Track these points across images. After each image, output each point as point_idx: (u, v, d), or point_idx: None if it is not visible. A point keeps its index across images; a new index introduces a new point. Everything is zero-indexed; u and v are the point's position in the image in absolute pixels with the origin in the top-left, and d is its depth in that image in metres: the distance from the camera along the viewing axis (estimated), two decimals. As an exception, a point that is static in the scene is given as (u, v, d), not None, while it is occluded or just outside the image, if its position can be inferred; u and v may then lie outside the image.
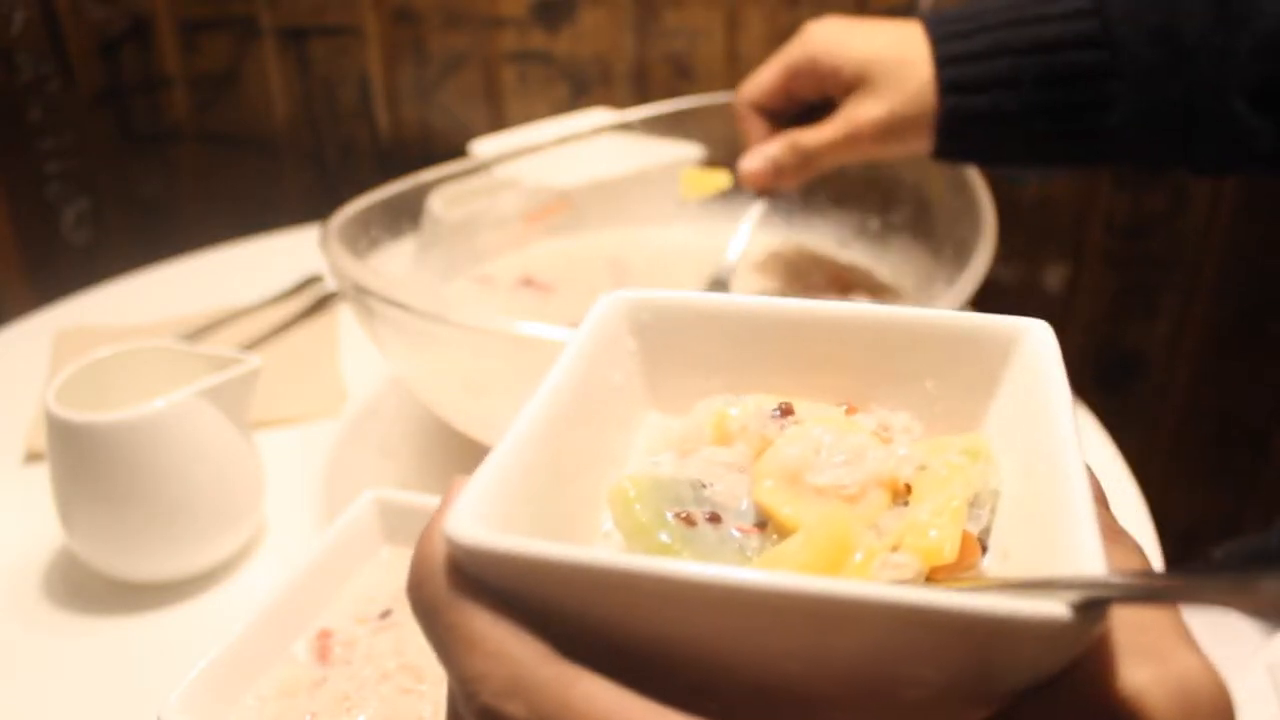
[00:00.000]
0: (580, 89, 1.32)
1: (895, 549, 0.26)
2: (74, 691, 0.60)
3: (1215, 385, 1.32)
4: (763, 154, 0.77)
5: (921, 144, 0.73)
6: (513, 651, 0.22)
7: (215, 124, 1.47)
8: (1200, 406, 1.32)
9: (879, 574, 0.25)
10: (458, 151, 1.00)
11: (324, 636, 0.54)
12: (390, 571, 0.58)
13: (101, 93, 1.36)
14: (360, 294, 0.66)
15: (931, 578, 0.26)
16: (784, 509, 0.27)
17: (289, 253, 1.11)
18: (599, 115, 1.05)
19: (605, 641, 0.22)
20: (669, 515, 0.27)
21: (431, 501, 0.59)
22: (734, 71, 1.26)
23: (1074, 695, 0.21)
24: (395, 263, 0.81)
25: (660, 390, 0.32)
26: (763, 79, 0.78)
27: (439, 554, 0.24)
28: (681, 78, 1.28)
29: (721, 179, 0.98)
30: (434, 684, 0.51)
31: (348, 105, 1.41)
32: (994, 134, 0.71)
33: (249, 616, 0.51)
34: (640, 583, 0.21)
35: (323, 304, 1.00)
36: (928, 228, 0.87)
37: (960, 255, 0.77)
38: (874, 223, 0.92)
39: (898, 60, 0.71)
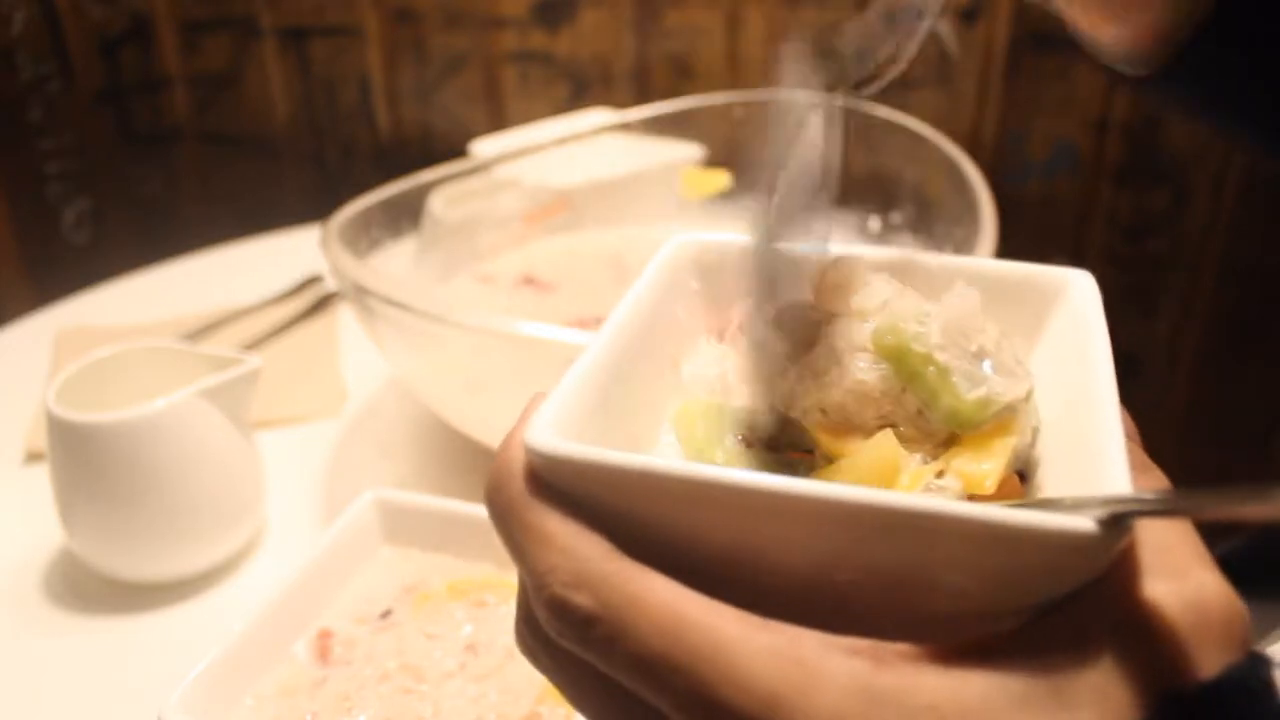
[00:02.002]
0: (580, 89, 1.32)
1: (940, 474, 0.27)
2: (74, 691, 0.60)
3: (1215, 385, 1.32)
4: None
5: None
6: (581, 548, 0.24)
7: (215, 124, 1.47)
8: (1200, 406, 1.32)
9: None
10: (458, 151, 1.00)
11: (324, 636, 0.54)
12: (390, 571, 0.58)
13: (101, 93, 1.36)
14: (360, 294, 0.66)
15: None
16: (834, 439, 0.29)
17: (289, 253, 1.10)
18: (599, 115, 1.05)
19: (664, 544, 0.24)
20: (728, 438, 0.29)
21: (431, 501, 0.59)
22: (734, 71, 1.26)
23: (1098, 605, 0.23)
24: (395, 263, 0.81)
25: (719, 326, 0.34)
26: None
27: (517, 460, 0.26)
28: (681, 78, 1.28)
29: (721, 179, 0.98)
30: (434, 684, 0.51)
31: (348, 105, 1.41)
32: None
33: (249, 616, 0.51)
34: (699, 488, 0.23)
35: (323, 304, 1.00)
36: (928, 228, 0.87)
37: (960, 255, 0.77)
38: (874, 223, 0.92)
39: None
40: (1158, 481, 0.27)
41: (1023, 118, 1.23)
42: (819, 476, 0.27)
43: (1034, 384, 0.29)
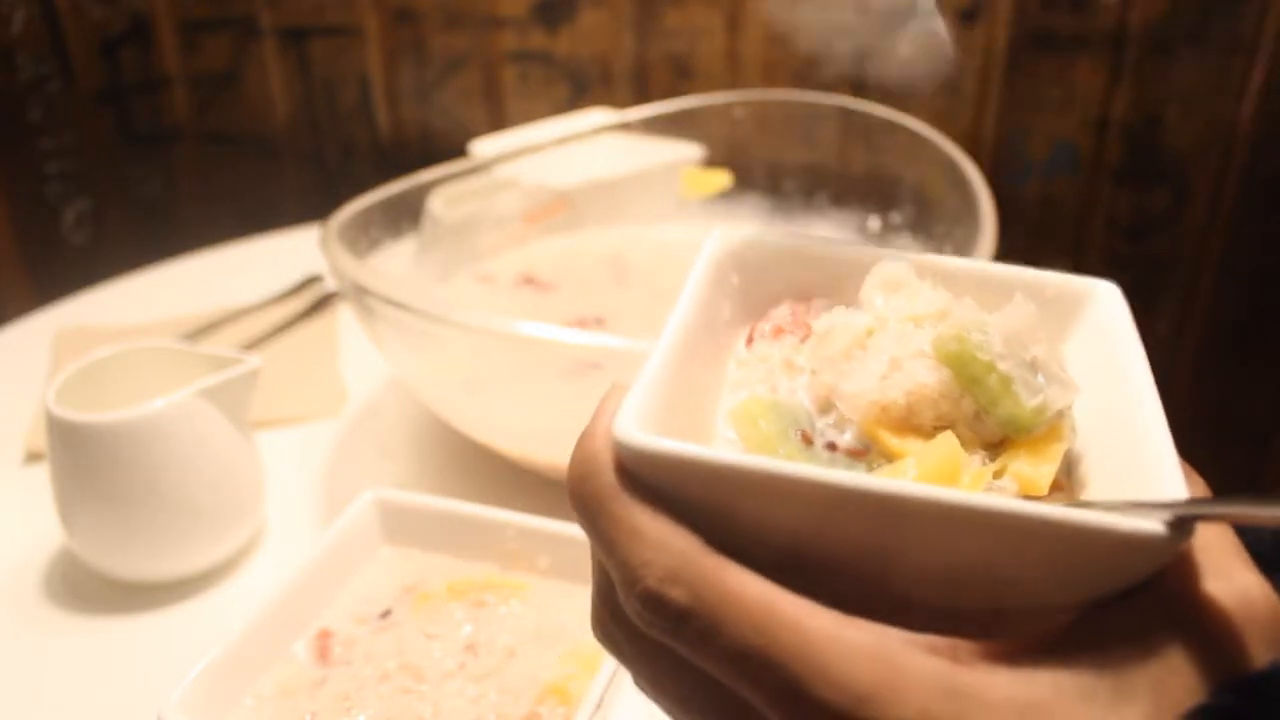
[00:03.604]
0: (580, 89, 1.32)
1: (997, 475, 0.28)
2: (74, 691, 0.60)
3: (1215, 385, 1.32)
4: None
5: None
6: (674, 542, 0.25)
7: (215, 124, 1.47)
8: (1200, 406, 1.32)
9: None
10: (458, 151, 1.00)
11: (324, 636, 0.54)
12: (390, 571, 0.58)
13: (101, 93, 1.36)
14: (360, 294, 0.66)
15: None
16: (892, 439, 0.30)
17: (289, 253, 1.11)
18: (599, 115, 1.05)
19: (746, 538, 0.25)
20: (792, 433, 0.30)
21: (431, 501, 0.59)
22: (734, 71, 1.26)
23: (1157, 601, 0.24)
24: (395, 263, 0.81)
25: (759, 322, 0.35)
26: None
27: (603, 452, 0.26)
28: (681, 78, 1.28)
29: (721, 179, 0.98)
30: (434, 684, 0.51)
31: (348, 105, 1.41)
32: None
33: (249, 616, 0.51)
34: (796, 486, 0.24)
35: (323, 304, 1.00)
36: (928, 228, 0.87)
37: (960, 255, 0.77)
38: (874, 223, 0.92)
39: None
40: (1200, 486, 0.28)
41: (1023, 118, 1.23)
42: (883, 475, 0.28)
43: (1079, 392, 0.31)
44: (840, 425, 0.30)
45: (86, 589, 0.67)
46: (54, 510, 0.65)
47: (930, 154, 0.85)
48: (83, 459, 0.62)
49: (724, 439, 0.31)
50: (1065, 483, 0.29)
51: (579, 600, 0.55)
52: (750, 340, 0.34)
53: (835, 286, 0.34)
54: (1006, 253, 0.73)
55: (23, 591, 0.67)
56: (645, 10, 1.26)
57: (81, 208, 1.35)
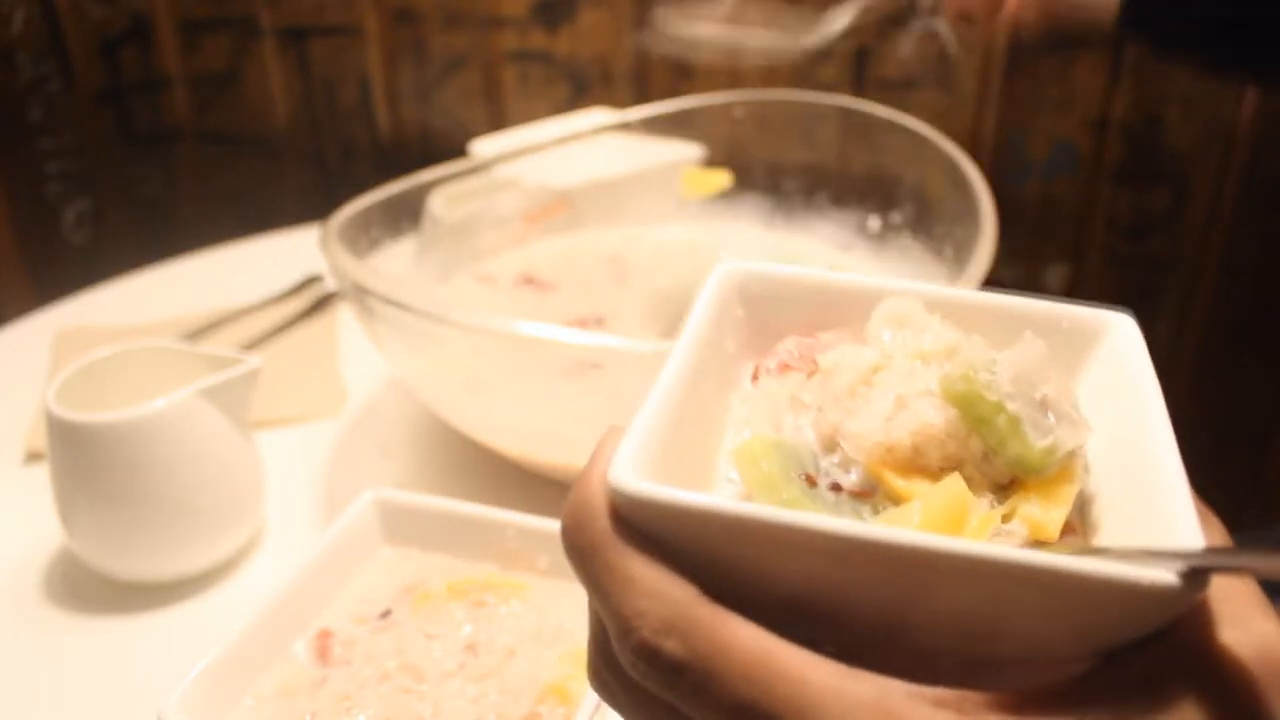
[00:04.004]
0: (580, 89, 1.32)
1: (1006, 519, 0.28)
2: (74, 691, 0.60)
3: (1215, 385, 1.32)
4: None
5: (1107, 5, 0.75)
6: (669, 592, 0.24)
7: (215, 124, 1.47)
8: (1200, 406, 1.32)
9: (992, 540, 0.27)
10: (458, 151, 1.00)
11: (324, 636, 0.54)
12: (390, 571, 0.58)
13: (101, 93, 1.36)
14: (360, 294, 0.66)
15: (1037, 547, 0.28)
16: (898, 480, 0.29)
17: (289, 253, 1.10)
18: (599, 115, 1.05)
19: (745, 586, 0.25)
20: (795, 474, 0.29)
21: (431, 501, 0.59)
22: (734, 71, 1.26)
23: (1170, 652, 0.24)
24: (395, 263, 0.81)
25: (764, 357, 0.34)
26: None
27: (598, 499, 0.26)
28: (681, 78, 1.28)
29: (721, 179, 0.98)
30: (434, 684, 0.51)
31: (348, 105, 1.41)
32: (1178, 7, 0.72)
33: (249, 616, 0.51)
34: (792, 535, 0.24)
35: (323, 304, 1.00)
36: (928, 228, 0.87)
37: (960, 255, 0.77)
38: (874, 223, 0.92)
39: None
40: (1215, 530, 0.27)
41: (1023, 118, 1.23)
42: (888, 519, 0.28)
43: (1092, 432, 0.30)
44: (845, 465, 0.30)
45: (86, 589, 0.67)
46: (54, 510, 0.65)
47: (930, 154, 0.85)
48: (83, 459, 0.62)
49: (726, 479, 0.30)
50: (1077, 524, 0.29)
51: (579, 600, 0.55)
52: (756, 377, 0.33)
53: (843, 320, 0.34)
54: (1007, 253, 0.73)
55: (23, 591, 0.67)
56: (645, 10, 1.26)
57: (81, 208, 1.35)
